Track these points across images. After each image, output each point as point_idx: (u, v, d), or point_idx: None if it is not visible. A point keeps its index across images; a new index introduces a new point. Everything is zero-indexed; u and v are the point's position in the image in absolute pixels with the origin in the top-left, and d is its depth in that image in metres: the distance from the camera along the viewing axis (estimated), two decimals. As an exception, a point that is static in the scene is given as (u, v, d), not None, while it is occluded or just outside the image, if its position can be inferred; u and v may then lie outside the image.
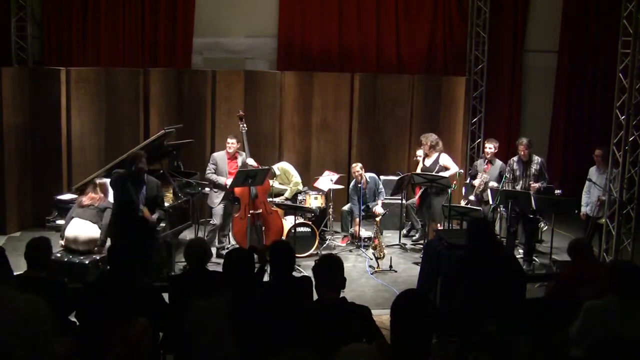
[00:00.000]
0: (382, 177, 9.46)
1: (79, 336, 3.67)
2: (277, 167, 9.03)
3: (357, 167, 8.97)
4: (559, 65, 11.07)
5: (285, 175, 9.06)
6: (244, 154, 8.30)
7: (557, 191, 8.53)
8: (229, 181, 8.08)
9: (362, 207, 8.86)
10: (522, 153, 8.12)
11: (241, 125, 8.31)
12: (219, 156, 8.27)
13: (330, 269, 3.84)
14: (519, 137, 8.43)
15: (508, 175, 8.16)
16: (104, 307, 3.71)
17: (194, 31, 10.46)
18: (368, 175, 9.10)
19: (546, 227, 8.83)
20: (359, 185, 8.88)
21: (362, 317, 3.73)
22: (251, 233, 7.87)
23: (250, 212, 7.91)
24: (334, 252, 8.65)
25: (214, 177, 8.15)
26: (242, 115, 8.42)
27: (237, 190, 8.09)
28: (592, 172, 8.39)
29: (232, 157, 8.25)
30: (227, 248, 8.23)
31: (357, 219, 8.84)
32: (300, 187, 9.07)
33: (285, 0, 10.58)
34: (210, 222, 8.32)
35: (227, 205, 8.28)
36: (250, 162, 8.25)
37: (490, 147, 8.60)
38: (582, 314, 4.09)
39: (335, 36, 10.67)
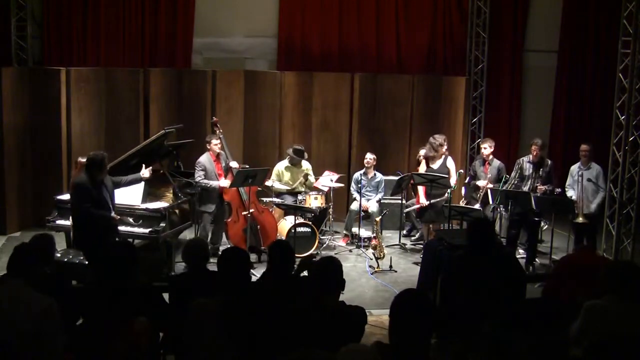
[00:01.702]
0: (384, 178, 9.45)
1: (80, 335, 3.67)
2: (307, 165, 9.09)
3: (372, 156, 9.12)
4: (559, 65, 11.07)
5: (308, 173, 9.06)
6: (223, 153, 8.30)
7: (557, 190, 8.51)
8: (222, 182, 8.06)
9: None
10: (535, 154, 8.08)
11: (218, 131, 8.30)
12: (206, 160, 8.14)
13: (328, 273, 3.83)
14: (534, 138, 8.33)
15: (514, 174, 8.14)
16: (104, 307, 3.71)
17: (194, 31, 10.46)
18: (377, 172, 9.21)
19: (546, 226, 8.83)
20: (363, 179, 8.95)
21: (358, 321, 3.74)
22: (248, 234, 7.87)
23: (243, 214, 7.92)
24: (334, 252, 8.67)
25: (204, 181, 8.03)
26: (217, 121, 8.45)
27: (226, 194, 8.09)
28: (574, 169, 8.29)
29: (217, 158, 8.23)
30: (219, 247, 8.22)
31: (358, 201, 8.94)
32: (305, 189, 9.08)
33: (285, 0, 10.58)
34: (201, 224, 8.26)
35: (218, 209, 8.25)
36: (234, 164, 8.24)
37: (485, 147, 8.58)
38: (582, 314, 4.08)
39: (335, 36, 10.66)
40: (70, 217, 7.01)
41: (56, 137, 9.27)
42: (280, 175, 8.99)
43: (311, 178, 9.01)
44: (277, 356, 3.10)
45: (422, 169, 8.82)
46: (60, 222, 7.45)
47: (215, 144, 8.15)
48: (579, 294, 4.59)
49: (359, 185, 9.03)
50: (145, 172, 7.18)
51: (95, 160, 6.41)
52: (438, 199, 8.45)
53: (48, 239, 4.88)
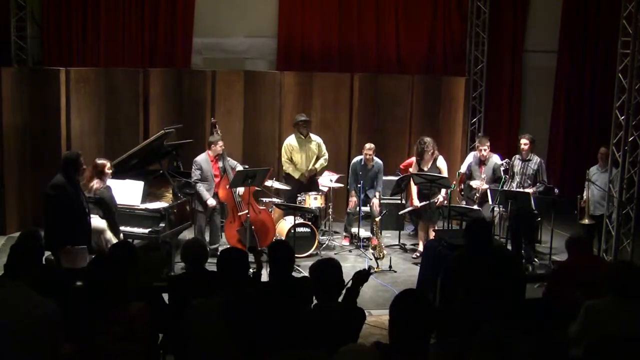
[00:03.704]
0: (382, 178, 9.42)
1: (75, 321, 3.64)
2: (317, 138, 9.05)
3: (371, 147, 8.89)
4: (559, 65, 11.07)
5: (319, 147, 9.02)
6: (222, 157, 8.24)
7: (548, 185, 8.50)
8: (210, 202, 8.00)
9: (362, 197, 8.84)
10: (521, 149, 8.10)
11: (216, 133, 8.28)
12: (203, 160, 8.12)
13: (327, 274, 3.83)
14: (523, 135, 8.39)
15: (507, 175, 8.13)
16: (95, 291, 3.70)
17: (194, 31, 10.46)
18: (376, 159, 9.04)
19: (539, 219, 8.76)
20: (362, 172, 8.85)
21: (357, 322, 3.74)
22: (244, 235, 7.86)
23: (239, 214, 7.92)
24: (333, 252, 8.67)
25: (201, 189, 8.01)
26: (215, 122, 8.43)
27: (220, 194, 8.09)
28: (593, 170, 8.36)
29: (215, 159, 8.20)
30: (217, 248, 8.19)
31: (355, 198, 8.89)
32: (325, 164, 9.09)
33: (285, 0, 10.58)
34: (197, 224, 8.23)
35: (212, 209, 8.22)
36: (234, 163, 8.28)
37: (483, 149, 8.50)
38: (581, 314, 4.09)
39: (335, 36, 10.66)
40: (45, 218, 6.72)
41: (56, 137, 9.25)
42: (290, 150, 8.87)
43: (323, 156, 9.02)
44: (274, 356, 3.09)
45: (414, 171, 8.69)
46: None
47: (221, 145, 8.13)
48: (580, 295, 4.59)
49: (358, 176, 8.83)
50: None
51: (70, 160, 6.31)
52: (430, 200, 8.41)
53: (38, 235, 4.88)
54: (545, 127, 11.16)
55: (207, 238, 8.23)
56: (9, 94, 8.93)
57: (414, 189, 8.62)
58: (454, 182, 8.55)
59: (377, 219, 8.41)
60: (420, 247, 8.56)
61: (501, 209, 8.11)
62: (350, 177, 9.14)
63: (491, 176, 8.38)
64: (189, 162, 8.71)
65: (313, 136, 9.07)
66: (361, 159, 8.97)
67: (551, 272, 6.55)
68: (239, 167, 8.27)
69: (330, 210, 9.09)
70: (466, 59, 10.77)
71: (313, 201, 8.73)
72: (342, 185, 9.30)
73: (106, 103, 9.58)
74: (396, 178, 9.24)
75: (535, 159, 8.15)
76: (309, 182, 8.95)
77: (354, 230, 9.02)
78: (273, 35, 10.69)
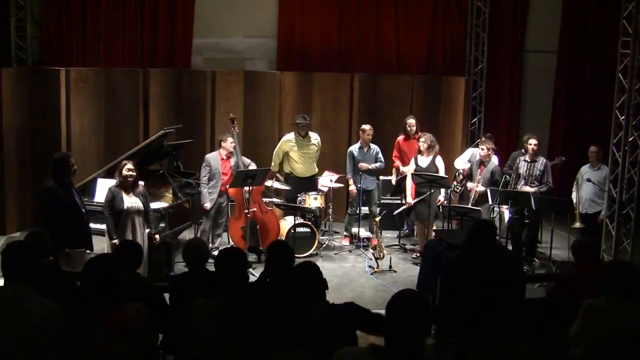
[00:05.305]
0: (381, 177, 9.43)
1: (70, 317, 3.64)
2: (316, 137, 9.05)
3: (371, 128, 8.84)
4: (559, 65, 11.07)
5: (318, 147, 9.04)
6: (236, 154, 8.25)
7: (550, 184, 8.48)
8: (206, 204, 8.00)
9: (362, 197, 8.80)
10: (531, 151, 8.09)
11: (233, 128, 8.28)
12: (212, 157, 8.16)
13: (307, 277, 3.83)
14: (530, 135, 8.38)
15: (510, 175, 8.12)
16: (93, 289, 3.70)
17: (194, 31, 10.47)
18: (372, 144, 8.98)
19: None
20: (358, 155, 8.82)
21: (347, 320, 3.74)
22: (247, 233, 7.86)
23: (245, 212, 7.93)
24: (333, 252, 8.67)
25: (203, 191, 8.04)
26: (234, 117, 8.40)
27: (230, 191, 8.08)
28: (585, 169, 8.33)
29: (227, 157, 8.21)
30: (217, 248, 8.18)
31: (354, 186, 8.85)
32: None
33: (285, 0, 10.58)
34: (201, 223, 8.23)
35: (220, 205, 8.24)
36: (248, 161, 8.25)
37: (483, 147, 8.48)
38: (580, 314, 4.09)
39: (335, 36, 10.67)
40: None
41: (56, 138, 9.25)
42: (290, 147, 8.85)
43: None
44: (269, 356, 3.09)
45: (412, 166, 8.67)
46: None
47: (231, 142, 8.11)
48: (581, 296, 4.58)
49: (355, 162, 8.79)
50: None
51: (58, 161, 6.22)
52: (422, 197, 8.38)
53: (44, 236, 4.87)
54: (545, 127, 11.15)
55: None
56: (9, 94, 8.92)
57: (409, 186, 8.57)
58: (455, 182, 8.54)
59: (377, 219, 8.40)
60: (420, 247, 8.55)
61: (504, 208, 8.06)
62: (348, 164, 8.98)
63: (489, 178, 8.30)
64: (189, 162, 8.72)
65: (312, 135, 9.06)
66: (357, 146, 8.93)
67: (556, 276, 6.52)
68: (253, 166, 8.27)
69: (330, 210, 9.09)
70: (466, 59, 10.78)
71: (313, 201, 8.73)
72: (342, 185, 9.29)
73: (106, 103, 9.58)
74: (395, 179, 9.23)
75: (541, 160, 8.16)
76: (308, 182, 8.96)
77: (354, 230, 9.02)
78: (273, 35, 10.69)
